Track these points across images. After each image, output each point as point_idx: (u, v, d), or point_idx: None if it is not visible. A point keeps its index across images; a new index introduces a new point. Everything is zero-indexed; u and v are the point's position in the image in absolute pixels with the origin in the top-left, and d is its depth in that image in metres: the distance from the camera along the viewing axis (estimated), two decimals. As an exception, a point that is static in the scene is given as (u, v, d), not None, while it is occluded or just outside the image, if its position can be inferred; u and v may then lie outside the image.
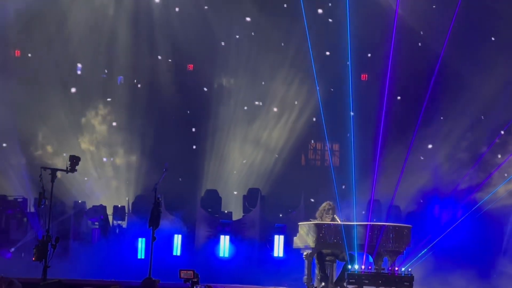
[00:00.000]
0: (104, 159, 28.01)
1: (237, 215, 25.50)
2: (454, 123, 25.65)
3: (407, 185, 23.86)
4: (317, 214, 18.41)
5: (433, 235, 22.63)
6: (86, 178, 26.79)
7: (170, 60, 28.31)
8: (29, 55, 27.74)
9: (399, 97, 27.28)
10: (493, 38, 26.34)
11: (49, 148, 27.45)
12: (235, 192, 28.01)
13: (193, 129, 28.90)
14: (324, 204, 18.42)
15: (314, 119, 28.68)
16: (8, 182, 25.55)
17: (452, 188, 23.16)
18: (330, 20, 27.93)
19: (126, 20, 27.69)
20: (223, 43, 28.55)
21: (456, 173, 24.33)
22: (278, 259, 23.11)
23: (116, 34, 27.73)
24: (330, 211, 18.27)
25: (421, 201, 24.40)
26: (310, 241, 18.09)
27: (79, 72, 28.27)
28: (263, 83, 28.70)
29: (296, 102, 28.43)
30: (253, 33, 28.28)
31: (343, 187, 26.08)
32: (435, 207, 23.59)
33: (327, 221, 18.20)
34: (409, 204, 24.98)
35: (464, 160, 24.99)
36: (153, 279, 12.70)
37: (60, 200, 23.93)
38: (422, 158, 25.58)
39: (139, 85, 28.69)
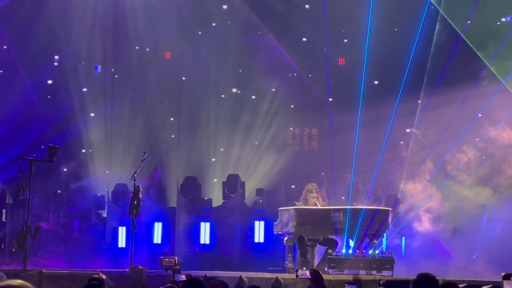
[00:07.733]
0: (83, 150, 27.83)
1: (217, 202, 25.45)
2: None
3: (386, 169, 23.92)
4: (302, 197, 18.63)
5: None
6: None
7: (148, 49, 28.09)
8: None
9: (376, 82, 27.31)
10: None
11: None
12: (215, 180, 27.96)
13: (171, 119, 28.78)
14: (307, 186, 18.64)
15: (292, 106, 28.70)
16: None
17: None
18: (306, 6, 27.88)
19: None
20: (200, 32, 28.39)
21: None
22: (259, 245, 23.12)
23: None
24: (314, 191, 18.43)
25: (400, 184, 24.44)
26: (291, 226, 18.16)
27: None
28: (240, 71, 28.63)
29: (273, 90, 28.40)
30: (229, 22, 28.10)
31: (322, 174, 26.18)
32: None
33: (312, 201, 18.33)
34: (388, 188, 25.04)
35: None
36: (141, 267, 12.65)
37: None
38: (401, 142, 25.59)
39: (116, 76, 28.45)
